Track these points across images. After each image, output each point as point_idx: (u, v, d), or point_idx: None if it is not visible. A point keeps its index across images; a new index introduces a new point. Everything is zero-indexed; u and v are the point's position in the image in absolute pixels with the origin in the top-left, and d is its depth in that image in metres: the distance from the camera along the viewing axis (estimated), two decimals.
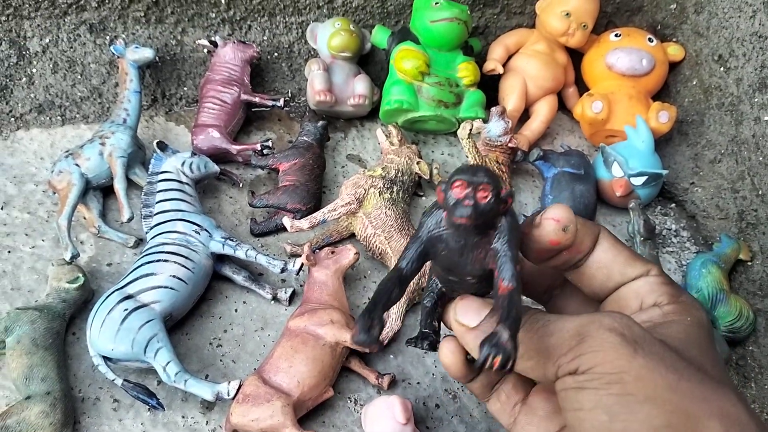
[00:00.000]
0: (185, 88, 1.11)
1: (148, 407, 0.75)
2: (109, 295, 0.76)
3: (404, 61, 1.03)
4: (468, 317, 0.41)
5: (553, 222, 0.40)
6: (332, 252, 0.85)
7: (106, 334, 0.73)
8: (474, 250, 0.38)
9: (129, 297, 0.76)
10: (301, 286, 0.89)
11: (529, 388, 0.46)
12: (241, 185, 0.99)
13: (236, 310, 0.86)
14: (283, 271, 0.84)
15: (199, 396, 0.73)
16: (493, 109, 1.01)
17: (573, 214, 0.41)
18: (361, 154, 1.09)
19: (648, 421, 0.33)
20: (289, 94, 1.13)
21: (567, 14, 1.09)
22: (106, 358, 0.74)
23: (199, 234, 0.84)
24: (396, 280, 0.39)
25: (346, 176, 1.05)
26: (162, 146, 0.90)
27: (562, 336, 0.36)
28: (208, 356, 0.81)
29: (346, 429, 0.76)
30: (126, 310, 0.74)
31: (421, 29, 1.05)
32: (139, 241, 0.90)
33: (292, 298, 0.87)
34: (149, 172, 0.90)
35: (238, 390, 0.73)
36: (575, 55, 1.19)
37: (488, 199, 0.36)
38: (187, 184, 0.89)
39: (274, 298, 0.86)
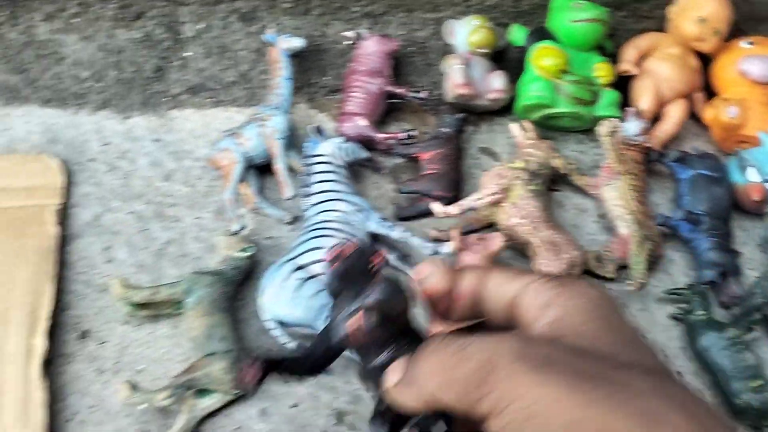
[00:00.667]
0: (327, 78, 1.16)
1: None
2: (282, 265, 0.81)
3: (545, 58, 1.06)
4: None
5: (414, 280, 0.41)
6: (480, 239, 0.88)
7: (283, 300, 0.78)
8: None
9: (300, 268, 0.81)
10: None
11: None
12: (384, 172, 1.04)
13: None
14: (435, 254, 0.88)
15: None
16: (629, 109, 1.04)
17: (434, 266, 0.41)
18: (492, 148, 1.13)
19: None
20: (429, 88, 1.17)
21: (702, 20, 1.11)
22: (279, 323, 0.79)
23: (359, 213, 0.88)
24: None
25: (478, 168, 1.08)
26: (319, 131, 0.95)
27: (476, 365, 0.33)
28: None
29: None
30: (299, 279, 0.80)
31: (561, 28, 1.09)
32: (295, 219, 0.95)
33: None
34: (304, 155, 0.95)
35: None
36: (702, 61, 1.20)
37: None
38: (341, 166, 0.94)
39: None
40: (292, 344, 0.78)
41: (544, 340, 0.35)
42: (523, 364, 0.32)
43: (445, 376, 0.34)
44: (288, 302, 0.78)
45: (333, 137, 0.96)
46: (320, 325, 0.78)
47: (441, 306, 0.43)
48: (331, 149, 0.94)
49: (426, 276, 0.41)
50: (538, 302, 0.38)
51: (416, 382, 0.36)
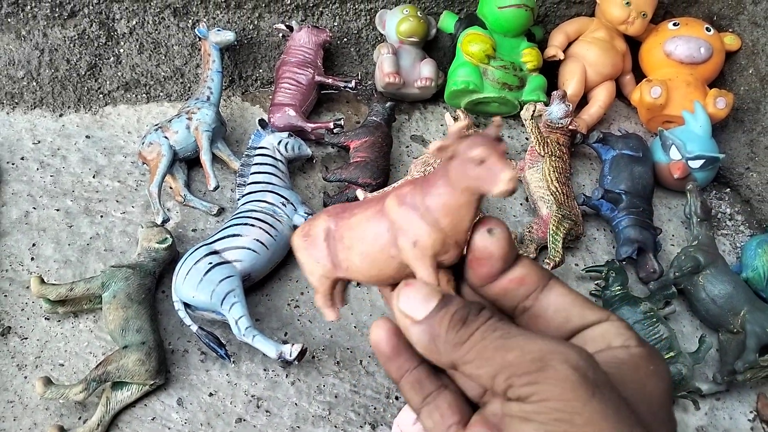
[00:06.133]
0: (260, 71, 1.17)
1: (216, 356, 0.81)
2: (198, 248, 0.83)
3: (472, 44, 1.08)
4: (413, 308, 0.37)
5: (480, 227, 0.37)
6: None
7: (190, 282, 0.80)
8: None
9: (215, 252, 0.83)
10: None
11: (466, 412, 0.43)
12: (315, 161, 1.05)
13: None
14: None
15: (263, 352, 0.78)
16: (554, 92, 1.05)
17: (505, 225, 0.38)
18: (424, 135, 1.14)
19: None
20: (359, 77, 1.19)
21: (627, 3, 1.13)
22: (186, 306, 0.81)
23: (285, 206, 0.90)
24: None
25: (410, 156, 1.10)
26: (263, 124, 0.97)
27: (521, 357, 0.34)
28: (286, 316, 0.87)
29: None
30: (210, 263, 0.81)
31: (489, 15, 1.11)
32: (222, 210, 0.96)
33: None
34: (248, 147, 0.97)
35: (300, 354, 0.78)
36: (632, 44, 1.23)
37: None
38: (280, 161, 0.96)
39: None
40: (194, 327, 0.80)
41: (601, 368, 0.35)
42: (577, 375, 0.33)
43: (482, 354, 0.35)
44: (195, 285, 0.80)
45: (277, 132, 0.98)
46: (224, 312, 0.79)
47: (479, 267, 0.40)
48: (273, 143, 0.96)
49: (493, 228, 0.38)
50: (617, 341, 0.39)
51: (447, 345, 0.36)
